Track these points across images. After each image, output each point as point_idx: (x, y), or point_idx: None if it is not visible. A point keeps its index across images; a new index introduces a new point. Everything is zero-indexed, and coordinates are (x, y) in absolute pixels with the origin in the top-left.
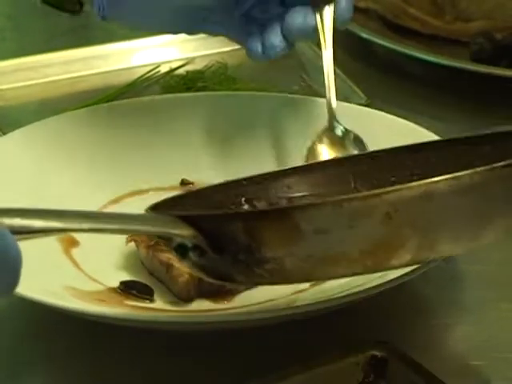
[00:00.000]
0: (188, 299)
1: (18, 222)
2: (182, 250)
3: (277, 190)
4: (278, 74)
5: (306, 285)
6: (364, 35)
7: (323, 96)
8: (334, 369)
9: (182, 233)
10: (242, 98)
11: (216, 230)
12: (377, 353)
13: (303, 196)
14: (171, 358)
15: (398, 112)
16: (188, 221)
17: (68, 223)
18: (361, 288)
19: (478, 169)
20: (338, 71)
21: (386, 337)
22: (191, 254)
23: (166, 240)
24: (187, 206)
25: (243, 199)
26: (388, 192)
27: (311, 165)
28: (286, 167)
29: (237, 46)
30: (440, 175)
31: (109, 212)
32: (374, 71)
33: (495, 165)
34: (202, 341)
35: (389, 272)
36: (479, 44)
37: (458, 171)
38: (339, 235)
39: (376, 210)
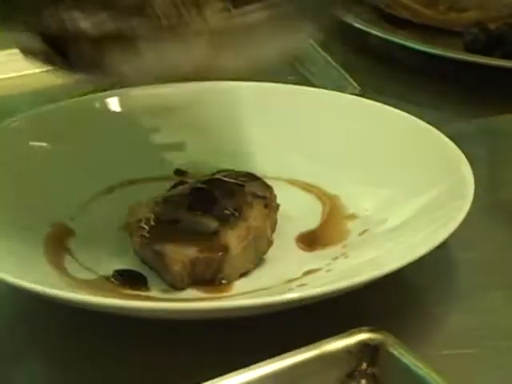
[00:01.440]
0: (181, 288)
1: None
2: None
3: None
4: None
5: (299, 273)
6: (357, 25)
7: (317, 86)
8: (326, 356)
9: None
10: (234, 87)
11: None
12: (369, 341)
13: None
14: (170, 347)
15: (392, 102)
16: None
17: None
18: (354, 277)
19: None
20: (331, 61)
21: (379, 325)
22: None
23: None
24: None
25: None
26: None
27: None
28: None
29: None
30: None
31: None
32: (367, 61)
33: None
34: (203, 329)
35: (382, 263)
36: (473, 34)
37: None
38: None
39: None
